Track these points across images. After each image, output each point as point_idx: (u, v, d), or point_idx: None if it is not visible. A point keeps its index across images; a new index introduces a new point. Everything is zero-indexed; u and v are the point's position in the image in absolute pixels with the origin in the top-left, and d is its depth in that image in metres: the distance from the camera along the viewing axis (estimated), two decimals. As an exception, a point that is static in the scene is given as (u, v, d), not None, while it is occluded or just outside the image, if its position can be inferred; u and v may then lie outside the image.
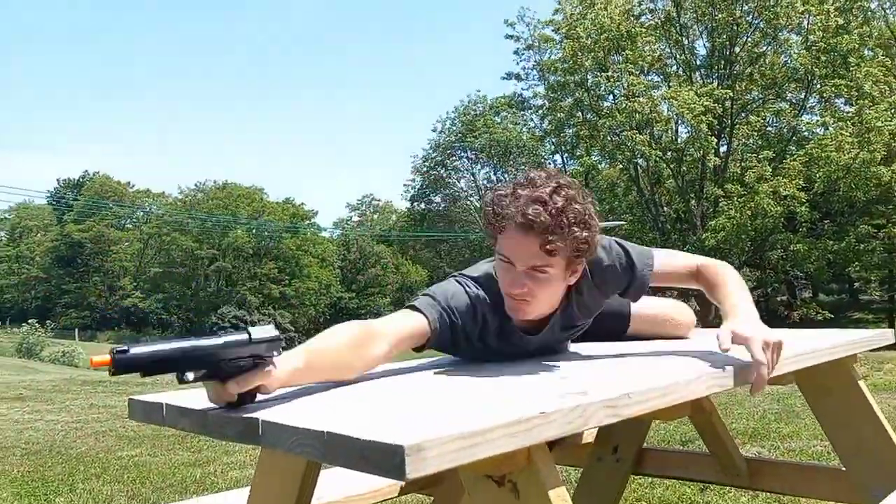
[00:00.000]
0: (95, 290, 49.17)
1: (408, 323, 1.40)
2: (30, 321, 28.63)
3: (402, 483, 2.00)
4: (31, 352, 25.84)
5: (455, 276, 1.56)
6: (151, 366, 1.07)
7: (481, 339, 1.51)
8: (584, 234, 1.37)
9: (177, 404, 1.24)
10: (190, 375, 1.12)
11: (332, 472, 1.93)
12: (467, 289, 1.49)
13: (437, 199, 39.16)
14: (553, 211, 1.34)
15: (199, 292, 49.02)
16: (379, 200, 62.54)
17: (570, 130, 27.08)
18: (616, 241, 1.56)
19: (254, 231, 50.61)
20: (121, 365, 1.02)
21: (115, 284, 49.79)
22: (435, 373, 1.46)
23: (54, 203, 54.48)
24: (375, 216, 62.63)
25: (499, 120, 35.63)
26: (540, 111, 30.25)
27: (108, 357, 1.01)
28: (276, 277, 49.68)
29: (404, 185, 42.94)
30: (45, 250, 51.33)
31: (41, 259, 51.16)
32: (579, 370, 1.41)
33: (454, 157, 36.59)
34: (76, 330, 42.10)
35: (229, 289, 48.79)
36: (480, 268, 1.54)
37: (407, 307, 1.45)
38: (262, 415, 1.06)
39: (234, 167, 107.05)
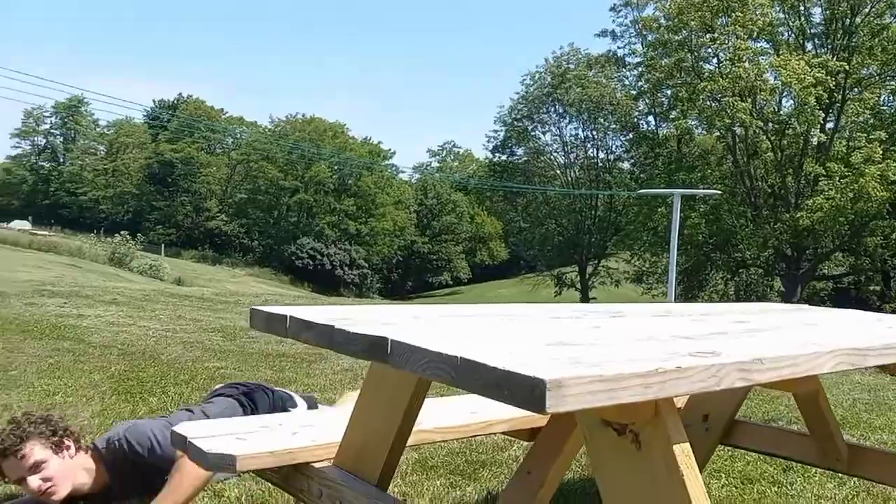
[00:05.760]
0: (183, 210, 51.28)
1: None
2: (121, 233, 30.15)
3: (491, 420, 2.02)
4: (122, 262, 27.32)
5: None
6: None
7: None
8: (37, 430, 2.08)
9: (301, 317, 1.27)
10: None
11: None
12: None
13: (520, 151, 38.62)
14: (16, 432, 2.05)
15: (280, 221, 50.52)
16: (459, 148, 62.33)
17: (668, 92, 26.06)
18: (131, 443, 2.19)
19: (336, 167, 51.48)
20: None
21: (202, 206, 51.76)
22: (572, 316, 1.46)
23: (150, 122, 56.63)
24: (455, 164, 62.52)
25: (591, 74, 34.57)
26: (637, 69, 29.19)
27: None
28: (353, 214, 50.60)
29: (487, 135, 42.47)
30: (139, 167, 53.69)
31: (135, 175, 53.56)
32: (707, 334, 1.37)
33: (542, 111, 35.80)
34: (163, 245, 44.12)
35: (309, 220, 50.04)
36: None
37: None
38: (391, 334, 1.08)
39: (322, 102, 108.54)
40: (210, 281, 31.35)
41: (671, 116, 26.02)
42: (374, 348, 1.09)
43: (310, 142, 49.54)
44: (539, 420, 2.13)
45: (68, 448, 2.15)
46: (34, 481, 2.06)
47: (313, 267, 44.99)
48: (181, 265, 38.36)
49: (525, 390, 0.84)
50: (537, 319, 1.47)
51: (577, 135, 36.43)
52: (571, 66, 34.51)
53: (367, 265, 48.40)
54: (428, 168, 59.53)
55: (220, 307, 9.00)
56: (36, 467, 2.06)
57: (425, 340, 1.04)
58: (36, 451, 2.06)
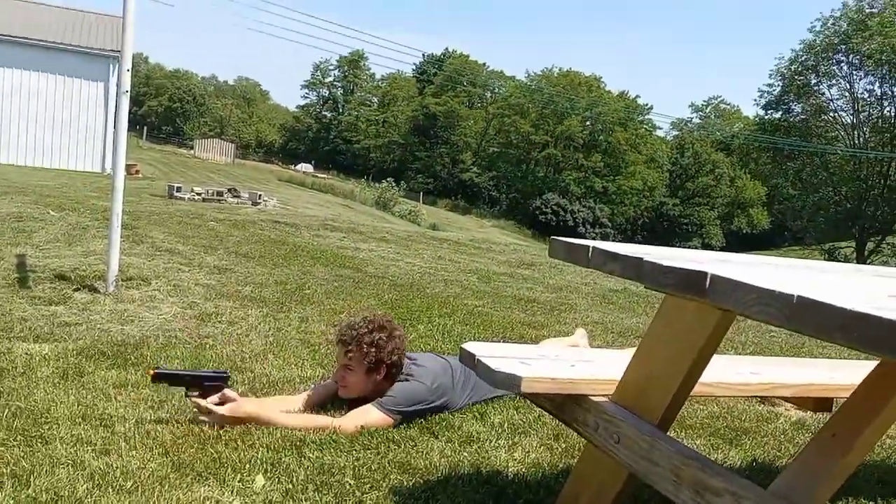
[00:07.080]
0: (441, 161, 54.25)
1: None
2: (387, 180, 33.03)
3: (775, 383, 1.88)
4: (386, 206, 29.89)
5: None
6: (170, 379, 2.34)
7: None
8: (373, 353, 2.43)
9: (606, 248, 1.28)
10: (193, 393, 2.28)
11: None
12: None
13: (798, 108, 34.65)
14: (355, 334, 2.46)
15: (528, 175, 51.31)
16: (728, 105, 57.72)
17: None
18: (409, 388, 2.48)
19: (588, 122, 50.71)
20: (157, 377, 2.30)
21: (458, 157, 54.30)
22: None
23: (418, 76, 60.27)
24: (718, 121, 58.10)
25: (898, 21, 29.68)
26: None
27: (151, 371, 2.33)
28: (600, 171, 49.70)
29: (760, 89, 38.67)
30: (406, 118, 57.58)
31: (402, 126, 57.60)
32: None
33: (831, 62, 31.64)
34: (421, 193, 47.22)
35: (556, 176, 50.16)
36: None
37: None
38: (711, 269, 1.04)
39: (578, 56, 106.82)
40: (460, 229, 32.98)
41: None
42: (689, 282, 1.06)
43: (564, 96, 49.29)
44: (829, 390, 1.95)
45: (378, 373, 2.48)
46: (339, 371, 2.54)
47: (556, 223, 45.17)
48: (435, 212, 40.81)
49: (892, 336, 0.77)
50: (850, 274, 1.33)
51: (871, 90, 31.77)
52: (876, 10, 29.87)
53: (609, 224, 47.46)
54: (687, 124, 56.08)
55: (474, 252, 9.43)
56: (346, 366, 2.49)
57: (752, 278, 0.99)
58: (354, 358, 2.46)
